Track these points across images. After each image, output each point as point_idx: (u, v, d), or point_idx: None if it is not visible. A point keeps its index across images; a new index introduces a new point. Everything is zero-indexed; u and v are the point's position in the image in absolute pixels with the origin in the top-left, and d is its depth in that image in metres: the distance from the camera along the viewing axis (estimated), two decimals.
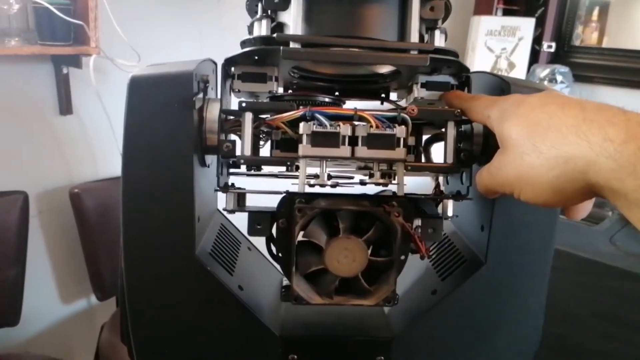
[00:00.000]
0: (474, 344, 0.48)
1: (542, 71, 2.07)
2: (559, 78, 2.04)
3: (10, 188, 1.34)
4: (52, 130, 1.44)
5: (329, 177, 0.42)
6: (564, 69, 2.08)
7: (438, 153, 0.48)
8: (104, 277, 1.47)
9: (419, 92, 0.45)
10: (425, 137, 0.49)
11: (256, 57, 0.42)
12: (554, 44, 2.18)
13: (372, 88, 0.51)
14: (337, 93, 0.50)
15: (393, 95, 0.54)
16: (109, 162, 1.51)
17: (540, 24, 2.15)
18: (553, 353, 1.19)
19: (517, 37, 2.09)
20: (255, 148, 0.46)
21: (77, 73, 1.39)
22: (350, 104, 0.48)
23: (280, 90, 0.48)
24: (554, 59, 2.21)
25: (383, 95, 0.53)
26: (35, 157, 1.42)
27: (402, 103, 0.52)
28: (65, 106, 1.41)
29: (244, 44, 0.43)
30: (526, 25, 2.09)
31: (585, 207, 0.37)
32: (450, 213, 0.47)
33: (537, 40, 2.16)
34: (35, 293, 1.45)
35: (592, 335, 1.24)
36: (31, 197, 1.37)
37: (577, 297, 1.27)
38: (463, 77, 0.45)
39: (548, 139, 0.32)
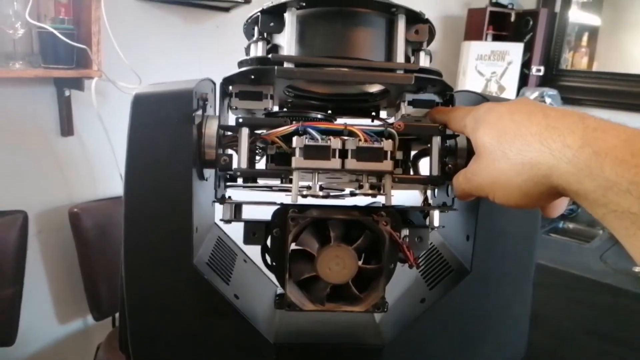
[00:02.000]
0: (462, 351, 0.50)
1: (532, 94, 2.12)
2: (548, 100, 2.08)
3: (11, 207, 1.36)
4: (53, 150, 1.47)
5: (321, 188, 0.45)
6: (553, 91, 2.13)
7: (425, 168, 0.50)
8: (101, 297, 1.47)
9: (406, 109, 0.48)
10: (413, 153, 0.52)
11: (252, 77, 0.45)
12: (542, 68, 2.24)
13: (363, 107, 0.54)
14: (329, 111, 0.53)
15: (383, 114, 0.57)
16: (109, 183, 1.53)
17: (528, 49, 2.21)
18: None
19: (507, 61, 2.14)
20: (252, 162, 0.49)
21: (79, 95, 1.42)
22: (341, 121, 0.50)
23: (276, 108, 0.51)
24: (543, 82, 2.27)
25: (373, 113, 0.56)
26: (35, 177, 1.44)
27: (392, 121, 0.54)
28: (67, 127, 1.44)
29: (241, 64, 0.46)
30: (515, 50, 2.15)
31: (559, 206, 0.39)
32: (436, 223, 0.50)
33: (526, 65, 2.22)
34: (32, 312, 1.45)
35: (583, 351, 1.25)
36: (31, 216, 1.38)
37: (568, 313, 1.28)
38: (447, 95, 0.48)
39: (515, 146, 0.35)
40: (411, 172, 0.51)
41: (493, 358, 0.51)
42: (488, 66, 2.15)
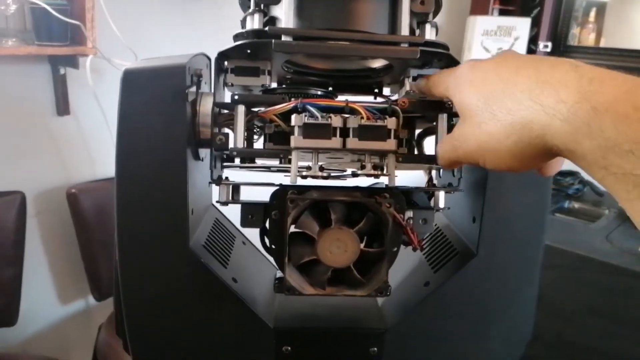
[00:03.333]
0: (466, 335, 0.49)
1: None
2: None
3: (8, 188, 1.34)
4: (50, 130, 1.45)
5: (321, 168, 0.43)
6: None
7: (431, 147, 0.48)
8: (101, 277, 1.47)
9: (410, 85, 0.46)
10: (417, 132, 0.49)
11: (249, 51, 0.42)
12: (549, 44, 2.19)
13: (365, 83, 0.52)
14: (330, 88, 0.51)
15: (386, 90, 0.54)
16: (107, 163, 1.52)
17: (535, 24, 2.16)
18: (549, 349, 1.20)
19: (513, 37, 2.10)
20: (249, 142, 0.47)
21: (74, 73, 1.39)
22: (343, 98, 0.48)
23: (275, 85, 0.49)
24: None
25: (376, 90, 0.53)
26: (32, 158, 1.43)
27: (395, 98, 0.52)
28: (63, 107, 1.42)
29: (236, 37, 0.43)
30: (522, 25, 2.10)
31: (555, 165, 0.36)
32: (442, 205, 0.48)
33: (533, 40, 2.17)
34: (33, 293, 1.45)
35: (588, 332, 1.24)
36: (28, 197, 1.37)
37: (573, 294, 1.27)
38: None
39: (504, 106, 0.32)
40: (415, 152, 0.49)
41: (498, 342, 0.50)
42: (494, 42, 2.10)
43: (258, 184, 0.45)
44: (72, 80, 1.41)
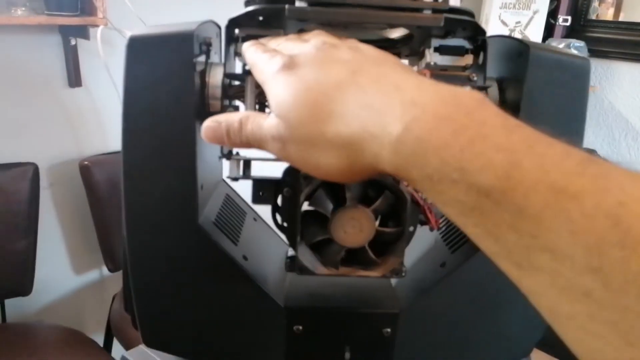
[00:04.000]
0: (483, 318, 0.47)
1: (557, 45, 2.02)
2: (574, 53, 1.98)
3: (20, 160, 1.35)
4: (62, 102, 1.44)
5: None
6: (580, 43, 2.02)
7: None
8: (114, 248, 1.48)
9: (431, 57, 0.43)
10: None
11: (261, 18, 0.40)
12: (569, 18, 2.11)
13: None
14: None
15: (404, 63, 0.52)
16: (119, 135, 1.50)
17: None
18: None
19: (532, 10, 2.02)
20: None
21: (85, 45, 1.38)
22: None
23: None
24: (569, 33, 2.15)
25: None
26: (45, 130, 1.42)
27: (415, 70, 0.50)
28: (74, 78, 1.41)
29: (248, 3, 0.41)
30: None
31: None
32: None
33: (552, 14, 2.09)
34: (48, 264, 1.47)
35: None
36: (41, 169, 1.37)
37: None
38: (479, 40, 0.43)
39: (332, 127, 0.28)
40: None
41: (516, 326, 0.48)
42: (512, 15, 2.02)
43: (269, 159, 0.43)
44: (84, 52, 1.40)
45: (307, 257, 0.42)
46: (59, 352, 1.27)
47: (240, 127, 0.33)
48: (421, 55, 0.46)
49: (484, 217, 0.23)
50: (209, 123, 0.34)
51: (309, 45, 0.31)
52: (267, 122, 0.31)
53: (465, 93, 0.25)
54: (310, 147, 0.29)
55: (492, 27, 2.04)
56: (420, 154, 0.24)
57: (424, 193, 0.26)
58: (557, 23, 2.12)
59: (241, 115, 0.33)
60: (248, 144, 0.33)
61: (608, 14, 2.22)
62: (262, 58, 0.33)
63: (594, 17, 2.18)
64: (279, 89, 0.30)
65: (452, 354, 0.48)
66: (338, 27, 0.45)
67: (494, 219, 0.23)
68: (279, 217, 0.43)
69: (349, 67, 0.29)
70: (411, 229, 0.42)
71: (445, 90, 0.26)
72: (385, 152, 0.26)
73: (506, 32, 2.05)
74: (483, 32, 0.42)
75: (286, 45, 0.34)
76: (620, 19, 2.17)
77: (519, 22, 2.05)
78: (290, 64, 0.30)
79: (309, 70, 0.30)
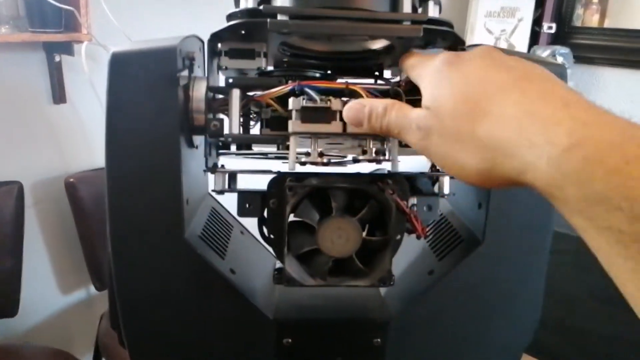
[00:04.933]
0: (472, 324, 0.47)
1: (543, 52, 2.04)
2: (560, 59, 2.01)
3: (5, 178, 1.33)
4: (46, 119, 1.43)
5: (321, 154, 0.41)
6: (565, 49, 2.05)
7: None
8: (102, 267, 1.46)
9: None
10: None
11: (243, 32, 0.40)
12: (554, 25, 2.15)
13: (365, 65, 0.50)
14: (329, 72, 0.49)
15: (387, 73, 0.52)
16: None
17: (540, 5, 2.12)
18: (553, 335, 1.19)
19: (517, 18, 2.06)
20: (246, 128, 0.45)
21: (70, 61, 1.37)
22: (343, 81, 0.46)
23: (271, 68, 0.47)
24: (554, 40, 2.18)
25: (377, 73, 0.51)
26: (29, 147, 1.41)
27: (397, 80, 0.50)
28: (59, 95, 1.40)
29: (230, 17, 0.41)
30: (526, 6, 2.06)
31: None
32: (447, 191, 0.46)
33: (537, 22, 2.13)
34: (34, 284, 1.45)
35: (593, 318, 1.23)
36: (26, 187, 1.36)
37: (577, 279, 1.26)
38: (459, 49, 0.44)
39: (484, 127, 0.28)
40: None
41: (505, 331, 0.48)
42: (498, 23, 2.06)
43: (255, 171, 0.43)
44: (68, 68, 1.39)
45: (294, 269, 0.42)
46: None
47: (384, 113, 0.34)
48: None
49: None
50: (352, 104, 0.36)
51: (475, 50, 0.33)
52: (415, 112, 0.33)
53: (637, 126, 0.25)
54: (456, 142, 0.30)
55: (478, 35, 2.07)
56: (585, 174, 0.24)
57: (572, 214, 0.26)
58: (542, 30, 2.15)
59: (387, 102, 0.35)
60: (387, 131, 0.34)
61: (593, 21, 2.26)
62: (426, 57, 0.35)
63: (578, 24, 2.22)
64: (439, 81, 0.32)
65: None
66: (321, 39, 0.46)
67: None
68: (265, 230, 0.43)
69: (514, 73, 0.30)
70: (398, 237, 0.42)
71: (617, 120, 0.26)
72: (542, 163, 0.26)
73: (492, 40, 2.08)
74: (462, 42, 0.43)
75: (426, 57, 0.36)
76: (605, 25, 2.21)
77: (504, 30, 2.08)
78: (455, 61, 0.32)
79: (474, 68, 0.31)
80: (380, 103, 0.35)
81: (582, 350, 1.24)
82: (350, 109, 0.36)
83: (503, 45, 2.09)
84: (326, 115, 0.38)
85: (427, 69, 0.34)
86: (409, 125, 0.33)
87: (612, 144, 0.24)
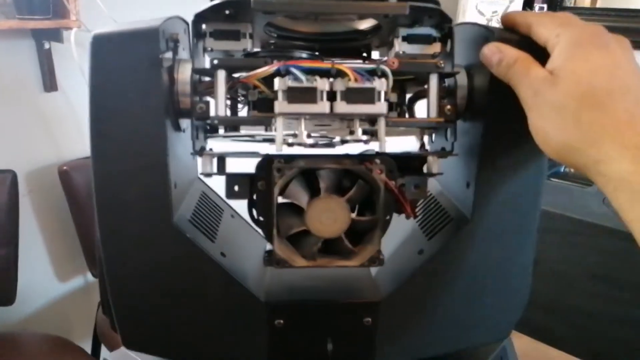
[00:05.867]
0: (462, 302, 0.48)
1: None
2: None
3: None
4: (38, 107, 1.42)
5: (309, 136, 0.41)
6: None
7: (422, 111, 0.46)
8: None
9: (400, 46, 0.43)
10: (408, 96, 0.47)
11: (227, 12, 0.40)
12: (545, 6, 2.13)
13: (353, 46, 0.50)
14: (316, 53, 0.48)
15: (375, 54, 0.52)
16: None
17: None
18: (545, 313, 1.20)
19: None
20: (233, 111, 0.45)
21: (60, 48, 1.36)
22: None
23: (257, 48, 0.46)
24: None
25: (364, 53, 0.51)
26: (21, 136, 1.40)
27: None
28: (50, 83, 1.39)
29: None
30: None
31: None
32: (435, 170, 0.46)
33: (528, 3, 2.11)
34: (30, 272, 1.45)
35: (584, 296, 1.25)
36: (20, 176, 1.35)
37: (569, 257, 1.27)
38: (446, 28, 0.43)
39: (593, 115, 0.32)
40: (407, 117, 0.47)
41: (495, 308, 0.49)
42: (489, 5, 2.04)
43: (242, 153, 0.43)
44: (58, 55, 1.38)
45: (284, 250, 0.42)
46: None
47: (512, 64, 0.36)
48: (390, 45, 0.46)
49: None
50: (491, 47, 0.38)
51: (614, 36, 0.35)
52: (536, 72, 0.35)
53: None
54: (558, 114, 0.33)
55: (470, 17, 2.06)
56: None
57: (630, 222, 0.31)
58: (534, 11, 2.14)
59: (517, 54, 0.37)
60: (508, 80, 0.37)
61: (585, 1, 2.24)
62: (559, 17, 0.36)
63: (570, 4, 2.21)
64: (573, 54, 0.33)
65: (433, 340, 0.49)
66: (307, 20, 0.45)
67: None
68: (254, 212, 0.43)
69: (634, 76, 0.33)
70: (387, 217, 0.42)
71: None
72: (626, 158, 0.30)
73: (483, 22, 2.07)
74: (449, 19, 0.42)
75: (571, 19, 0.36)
76: (598, 5, 2.19)
77: (495, 12, 2.06)
78: (596, 41, 0.33)
79: (619, 49, 0.33)
80: (512, 53, 0.37)
81: (573, 327, 1.26)
82: (489, 49, 0.38)
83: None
84: (312, 95, 0.37)
85: (565, 35, 0.34)
86: (526, 82, 0.35)
87: None
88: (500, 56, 0.37)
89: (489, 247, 0.46)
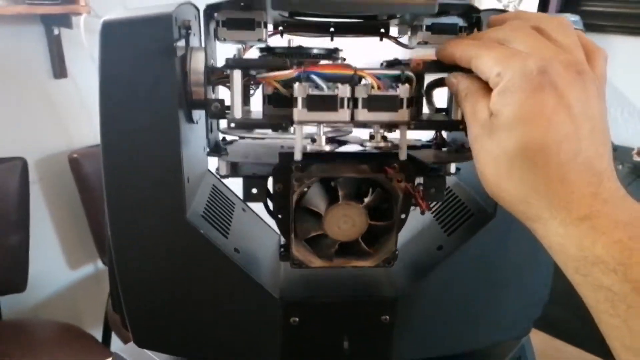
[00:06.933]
0: (481, 299, 0.46)
1: None
2: None
3: (8, 154, 1.32)
4: (48, 94, 1.41)
5: (328, 141, 0.40)
6: (574, 17, 1.97)
7: (441, 99, 0.44)
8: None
9: (424, 36, 0.41)
10: (426, 83, 0.45)
11: (242, 2, 0.38)
12: None
13: (370, 24, 0.47)
14: (332, 29, 0.46)
15: (393, 30, 0.49)
16: None
17: None
18: (562, 310, 1.18)
19: None
20: (246, 100, 0.43)
21: (69, 34, 1.34)
22: (349, 54, 0.44)
23: (270, 28, 0.44)
24: (564, 7, 2.12)
25: (382, 30, 0.49)
26: (31, 123, 1.40)
27: (404, 40, 0.48)
28: (59, 69, 1.37)
29: None
30: None
31: None
32: (453, 169, 0.44)
33: None
34: (42, 259, 1.45)
35: None
36: (30, 163, 1.35)
37: None
38: (473, 17, 0.41)
39: (526, 175, 0.31)
40: (425, 105, 0.45)
41: (515, 305, 0.47)
42: None
43: (260, 163, 0.42)
44: (67, 41, 1.36)
45: (301, 251, 0.41)
46: (56, 347, 1.26)
47: (463, 97, 0.34)
48: (412, 28, 0.44)
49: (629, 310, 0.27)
50: (450, 77, 0.36)
51: (561, 59, 0.30)
52: (480, 114, 0.32)
53: None
54: (494, 159, 0.31)
55: (485, 4, 2.01)
56: (588, 241, 0.28)
57: (566, 268, 0.30)
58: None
59: (469, 88, 0.34)
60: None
61: None
62: (501, 52, 0.32)
63: None
64: (519, 101, 0.30)
65: (451, 337, 0.47)
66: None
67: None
68: (271, 205, 0.42)
69: (584, 131, 0.30)
70: (403, 216, 0.41)
71: (634, 205, 0.30)
72: (555, 222, 0.30)
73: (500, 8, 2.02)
74: (477, 9, 0.40)
75: (526, 41, 0.32)
76: None
77: None
78: (550, 74, 0.29)
79: (573, 87, 0.30)
80: (463, 86, 0.34)
81: (588, 322, 1.23)
82: (447, 78, 0.36)
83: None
84: (333, 103, 0.36)
85: (507, 74, 0.30)
86: (471, 122, 0.33)
87: (621, 222, 0.28)
88: (455, 89, 0.35)
89: (511, 243, 0.44)
